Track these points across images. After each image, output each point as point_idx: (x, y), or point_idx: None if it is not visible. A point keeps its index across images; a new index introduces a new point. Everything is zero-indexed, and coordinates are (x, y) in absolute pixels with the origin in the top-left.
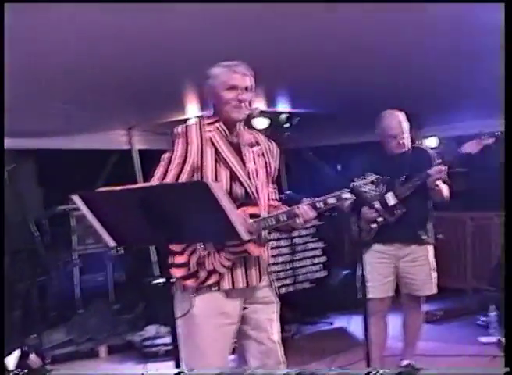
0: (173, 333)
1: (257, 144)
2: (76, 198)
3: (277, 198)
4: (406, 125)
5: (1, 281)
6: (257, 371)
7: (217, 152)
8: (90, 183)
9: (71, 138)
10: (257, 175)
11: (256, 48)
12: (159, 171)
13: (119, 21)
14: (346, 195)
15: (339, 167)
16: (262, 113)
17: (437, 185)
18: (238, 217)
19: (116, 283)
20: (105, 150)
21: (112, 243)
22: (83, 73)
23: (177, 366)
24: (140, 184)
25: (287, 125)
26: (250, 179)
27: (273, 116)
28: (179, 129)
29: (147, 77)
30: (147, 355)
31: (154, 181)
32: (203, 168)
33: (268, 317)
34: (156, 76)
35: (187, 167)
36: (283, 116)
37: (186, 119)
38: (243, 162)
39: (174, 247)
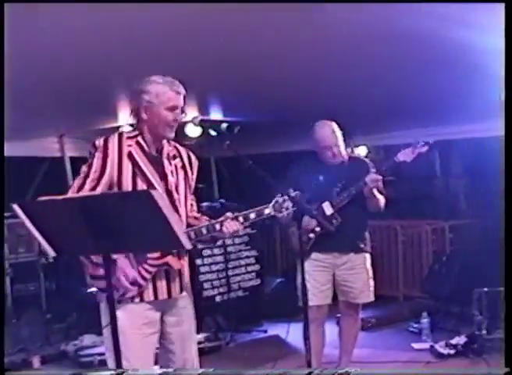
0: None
1: (178, 156)
2: (15, 207)
3: (196, 209)
4: (339, 134)
5: (1, 281)
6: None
7: (135, 167)
8: (22, 191)
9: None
10: (177, 188)
11: (192, 57)
12: (75, 184)
13: (51, 26)
14: (267, 211)
15: (278, 176)
16: (202, 122)
17: (373, 194)
18: (180, 227)
19: (48, 293)
20: (37, 157)
21: (52, 253)
22: (12, 77)
23: None
24: (82, 194)
25: (228, 134)
26: (169, 192)
27: (213, 125)
28: (98, 142)
29: (80, 84)
30: (81, 364)
31: (69, 193)
32: (121, 182)
33: (188, 329)
34: (88, 82)
35: (104, 181)
36: (224, 125)
37: (118, 127)
38: (164, 176)
39: (94, 258)
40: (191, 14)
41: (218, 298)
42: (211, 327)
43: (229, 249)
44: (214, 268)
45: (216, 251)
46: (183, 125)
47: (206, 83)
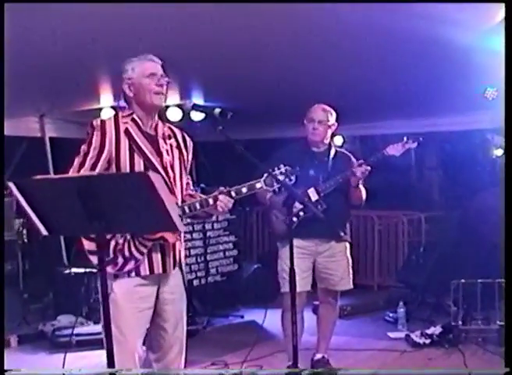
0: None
1: (173, 136)
2: (11, 185)
3: (192, 188)
4: (330, 118)
5: (1, 281)
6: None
7: (132, 142)
8: None
9: None
10: (172, 166)
11: (176, 43)
12: (76, 162)
13: (34, 9)
14: (259, 185)
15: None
16: (195, 106)
17: (359, 185)
18: (175, 209)
19: (25, 272)
20: (16, 136)
21: (44, 231)
22: None
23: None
24: (79, 174)
25: (220, 119)
26: (165, 170)
27: (206, 110)
28: (96, 122)
29: (61, 64)
30: (58, 345)
31: (71, 172)
32: (119, 158)
33: (180, 308)
34: (70, 63)
35: (103, 158)
36: (217, 110)
37: (99, 109)
38: (160, 154)
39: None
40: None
41: (195, 282)
42: (189, 311)
43: (209, 234)
44: (193, 252)
45: (195, 235)
46: (165, 109)
47: (194, 70)
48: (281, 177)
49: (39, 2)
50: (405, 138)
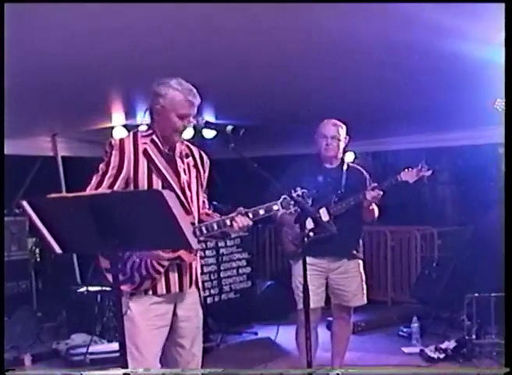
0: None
1: (190, 155)
2: (24, 204)
3: (208, 206)
4: (341, 132)
5: (1, 281)
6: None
7: (150, 163)
8: (13, 189)
9: None
10: (189, 186)
11: (188, 60)
12: (94, 181)
13: (46, 27)
14: (276, 207)
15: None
16: (207, 124)
17: (371, 207)
18: (189, 226)
19: (39, 291)
20: (29, 156)
21: (58, 250)
22: (7, 76)
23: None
24: (92, 192)
25: (232, 136)
26: (182, 189)
27: (218, 127)
28: (114, 141)
29: (73, 84)
30: (72, 363)
31: (88, 190)
32: (137, 178)
33: (197, 324)
34: (82, 83)
35: (121, 178)
36: (229, 128)
37: (111, 127)
38: (178, 173)
39: None
40: (192, 17)
41: (209, 300)
42: (202, 328)
43: (222, 251)
44: (206, 270)
45: (208, 253)
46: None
47: (206, 88)
48: (297, 200)
49: (40, 3)
50: (420, 165)
